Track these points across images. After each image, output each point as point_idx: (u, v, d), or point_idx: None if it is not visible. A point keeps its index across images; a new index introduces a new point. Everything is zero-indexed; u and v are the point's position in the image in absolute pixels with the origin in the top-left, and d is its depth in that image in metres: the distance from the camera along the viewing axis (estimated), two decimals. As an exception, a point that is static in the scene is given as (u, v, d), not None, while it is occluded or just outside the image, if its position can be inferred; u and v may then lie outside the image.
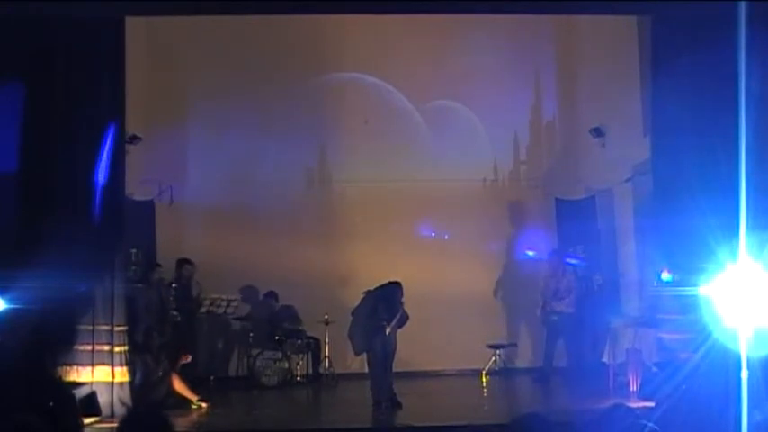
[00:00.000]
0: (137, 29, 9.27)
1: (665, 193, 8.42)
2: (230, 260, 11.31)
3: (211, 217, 11.73)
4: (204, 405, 9.02)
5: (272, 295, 11.38)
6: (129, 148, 9.69)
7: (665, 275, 8.38)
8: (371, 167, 12.08)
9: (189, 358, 9.54)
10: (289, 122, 11.94)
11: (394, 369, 9.43)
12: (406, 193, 12.02)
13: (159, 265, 10.72)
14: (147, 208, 11.33)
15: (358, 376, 9.98)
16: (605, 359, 9.85)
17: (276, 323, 11.14)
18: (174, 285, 10.54)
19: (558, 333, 10.96)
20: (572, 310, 10.94)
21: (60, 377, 7.87)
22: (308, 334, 11.23)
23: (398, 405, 8.89)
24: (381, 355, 9.02)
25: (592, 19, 10.96)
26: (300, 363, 11.00)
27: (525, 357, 11.92)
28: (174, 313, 10.33)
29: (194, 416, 8.68)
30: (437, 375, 11.53)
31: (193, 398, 9.04)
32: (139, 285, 10.21)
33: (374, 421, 8.66)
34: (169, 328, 10.13)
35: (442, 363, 11.70)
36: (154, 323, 9.82)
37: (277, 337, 10.87)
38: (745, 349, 5.44)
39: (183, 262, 10.88)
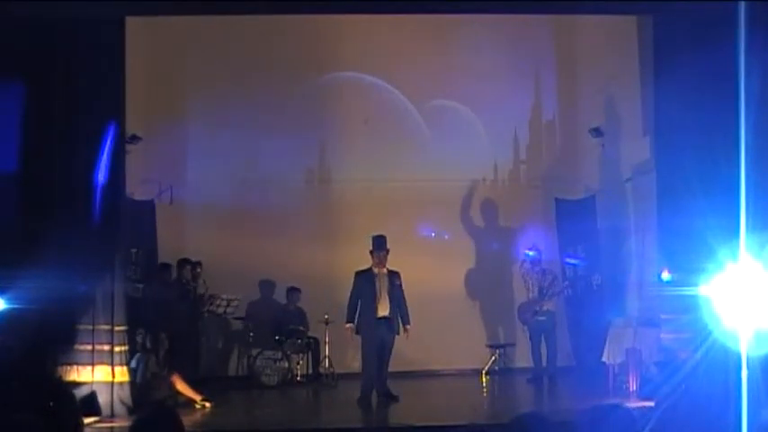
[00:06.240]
0: (137, 29, 9.26)
1: (666, 192, 8.42)
2: (231, 260, 11.30)
3: (211, 217, 11.73)
4: (208, 405, 9.02)
5: (295, 291, 11.38)
6: (129, 148, 9.69)
7: (665, 275, 8.38)
8: (371, 167, 12.09)
9: None
10: (288, 122, 11.94)
11: (395, 369, 9.55)
12: (406, 192, 12.02)
13: (170, 266, 10.74)
14: (147, 208, 11.32)
15: (358, 376, 9.96)
16: (605, 359, 9.84)
17: (286, 320, 11.13)
18: (190, 286, 10.59)
19: (545, 333, 10.90)
20: (554, 308, 10.95)
21: (60, 377, 7.86)
22: (308, 334, 11.24)
23: (395, 398, 9.04)
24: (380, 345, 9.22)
25: (592, 19, 10.96)
26: (300, 363, 11.00)
27: (525, 357, 11.88)
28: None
29: (195, 416, 8.67)
30: (437, 375, 11.53)
31: (197, 398, 9.03)
32: (139, 285, 10.22)
33: (374, 421, 8.67)
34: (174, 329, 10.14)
35: (442, 362, 11.71)
36: (161, 323, 9.80)
37: (277, 337, 10.88)
38: (745, 349, 5.45)
39: (188, 263, 10.87)
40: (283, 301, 11.65)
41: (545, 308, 10.83)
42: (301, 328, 11.12)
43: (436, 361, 11.64)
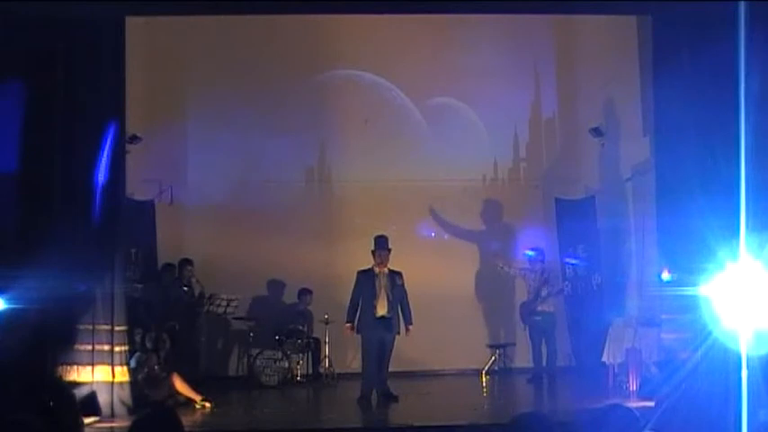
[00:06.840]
0: (137, 29, 9.27)
1: (665, 192, 8.42)
2: (231, 259, 11.32)
3: (212, 216, 11.73)
4: (208, 405, 9.01)
5: (306, 292, 11.38)
6: (129, 147, 9.70)
7: (665, 275, 8.38)
8: (371, 166, 12.09)
9: None
10: (289, 121, 11.95)
11: (395, 369, 9.56)
12: (406, 192, 12.03)
13: (173, 266, 10.74)
14: (147, 208, 11.33)
15: (358, 376, 9.98)
16: (605, 359, 9.85)
17: (288, 320, 11.12)
18: (185, 287, 10.60)
19: (542, 333, 10.91)
20: (552, 309, 10.97)
21: (60, 377, 7.87)
22: (311, 335, 11.25)
23: (395, 398, 9.05)
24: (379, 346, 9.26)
25: (592, 19, 10.96)
26: (300, 362, 11.00)
27: (525, 357, 11.88)
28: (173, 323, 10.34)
29: (195, 416, 8.67)
30: (437, 375, 11.53)
31: (197, 398, 9.02)
32: (139, 285, 10.22)
33: (374, 421, 8.67)
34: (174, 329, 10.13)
35: (442, 362, 11.72)
36: (161, 323, 9.80)
37: (277, 337, 10.88)
38: (745, 349, 5.45)
39: (189, 263, 10.88)
40: (285, 300, 11.67)
41: (541, 308, 10.83)
42: (300, 327, 11.11)
43: (436, 361, 11.65)
